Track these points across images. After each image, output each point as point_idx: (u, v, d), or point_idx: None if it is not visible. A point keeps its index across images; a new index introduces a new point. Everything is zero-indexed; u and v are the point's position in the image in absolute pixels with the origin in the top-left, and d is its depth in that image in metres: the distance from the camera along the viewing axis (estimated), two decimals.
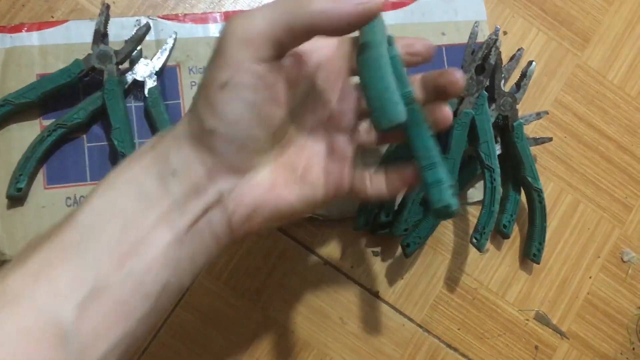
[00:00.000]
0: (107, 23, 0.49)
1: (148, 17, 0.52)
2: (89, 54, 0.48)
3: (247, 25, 0.31)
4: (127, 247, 0.30)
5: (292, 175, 0.35)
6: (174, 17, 0.52)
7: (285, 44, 0.31)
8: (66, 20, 0.51)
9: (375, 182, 0.38)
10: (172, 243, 0.31)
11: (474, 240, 0.49)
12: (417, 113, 0.35)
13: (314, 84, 0.37)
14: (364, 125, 0.39)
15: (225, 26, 0.31)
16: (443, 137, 0.51)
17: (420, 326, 0.53)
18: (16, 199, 0.47)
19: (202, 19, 0.52)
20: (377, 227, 0.51)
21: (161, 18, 0.52)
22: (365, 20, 0.31)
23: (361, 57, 0.34)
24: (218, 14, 0.53)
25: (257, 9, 0.31)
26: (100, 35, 0.49)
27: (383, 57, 0.34)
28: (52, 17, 0.52)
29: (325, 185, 0.36)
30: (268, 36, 0.31)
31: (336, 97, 0.37)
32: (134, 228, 0.30)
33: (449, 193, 0.34)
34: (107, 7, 0.49)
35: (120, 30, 0.51)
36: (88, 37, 0.49)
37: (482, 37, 0.55)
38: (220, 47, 0.31)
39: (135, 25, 0.51)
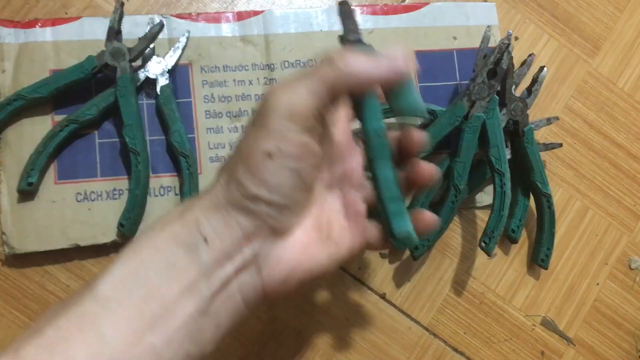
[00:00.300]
0: (121, 20, 0.49)
1: (161, 15, 0.52)
2: (102, 51, 0.49)
3: (292, 100, 0.32)
4: (148, 320, 0.29)
5: (319, 234, 0.36)
6: (187, 16, 0.52)
7: (326, 110, 0.33)
8: (80, 17, 0.51)
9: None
10: (196, 314, 0.30)
11: (483, 245, 0.49)
12: (384, 147, 0.36)
13: (332, 141, 0.38)
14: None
15: (267, 98, 0.32)
16: (454, 140, 0.51)
17: (427, 329, 0.53)
18: (27, 193, 0.47)
19: (215, 18, 0.53)
20: None
21: (174, 16, 0.52)
22: (397, 80, 0.34)
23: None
24: (231, 13, 0.53)
25: (298, 81, 0.32)
26: (114, 33, 0.49)
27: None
28: (66, 13, 0.52)
29: (350, 242, 0.37)
30: (313, 108, 0.32)
31: (347, 153, 0.39)
32: (157, 299, 0.29)
33: (409, 223, 0.36)
34: (121, 5, 0.49)
35: (133, 28, 0.51)
36: (101, 34, 0.50)
37: (493, 42, 0.55)
38: (263, 119, 0.32)
39: (148, 24, 0.51)
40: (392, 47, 0.34)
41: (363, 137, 0.36)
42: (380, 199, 0.36)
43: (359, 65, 0.32)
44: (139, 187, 0.48)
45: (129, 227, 0.48)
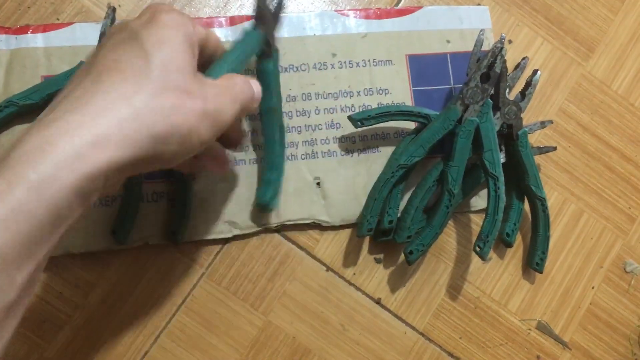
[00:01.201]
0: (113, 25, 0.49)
1: None
2: None
3: None
4: None
5: None
6: None
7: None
8: (72, 23, 0.51)
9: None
10: None
11: (477, 249, 0.49)
12: (274, 124, 0.47)
13: None
14: None
15: None
16: (447, 144, 0.51)
17: (422, 334, 0.53)
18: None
19: (208, 23, 0.52)
20: (379, 233, 0.51)
21: None
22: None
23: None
24: (224, 18, 0.53)
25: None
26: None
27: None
28: (58, 19, 0.52)
29: None
30: None
31: None
32: None
33: (271, 194, 0.48)
34: (113, 10, 0.49)
35: None
36: (93, 40, 0.49)
37: (487, 46, 0.55)
38: None
39: None
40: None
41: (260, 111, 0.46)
42: (269, 164, 0.47)
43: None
44: (133, 193, 0.48)
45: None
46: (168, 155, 0.33)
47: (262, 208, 0.50)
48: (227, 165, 0.46)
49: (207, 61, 0.40)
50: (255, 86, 0.40)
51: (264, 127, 0.49)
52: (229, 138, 0.44)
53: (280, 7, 0.46)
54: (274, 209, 0.50)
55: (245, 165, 0.51)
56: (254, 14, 0.45)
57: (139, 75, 0.32)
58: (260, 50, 0.46)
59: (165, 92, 0.32)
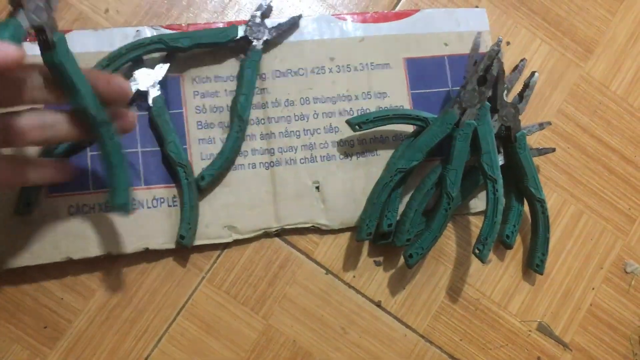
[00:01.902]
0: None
1: (151, 26, 0.52)
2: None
3: None
4: None
5: None
6: (177, 27, 0.52)
7: None
8: (69, 30, 0.51)
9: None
10: None
11: (477, 251, 0.49)
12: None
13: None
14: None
15: None
16: (446, 147, 0.51)
17: (423, 336, 0.53)
18: (25, 213, 0.47)
19: (206, 29, 0.52)
20: (379, 237, 0.51)
21: (164, 27, 0.52)
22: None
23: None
24: (221, 23, 0.53)
25: None
26: None
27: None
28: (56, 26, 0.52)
29: None
30: None
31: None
32: None
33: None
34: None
35: (124, 40, 0.51)
36: (91, 47, 0.50)
37: (484, 48, 0.55)
38: None
39: (135, 36, 0.51)
40: None
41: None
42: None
43: None
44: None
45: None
46: None
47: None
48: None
49: None
50: None
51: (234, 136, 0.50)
52: (107, 97, 0.41)
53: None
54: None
55: (243, 170, 0.51)
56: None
57: None
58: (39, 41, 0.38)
59: None
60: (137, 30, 0.51)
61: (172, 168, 0.50)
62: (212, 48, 0.52)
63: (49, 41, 0.38)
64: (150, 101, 0.50)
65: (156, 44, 0.50)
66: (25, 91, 0.38)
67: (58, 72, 0.39)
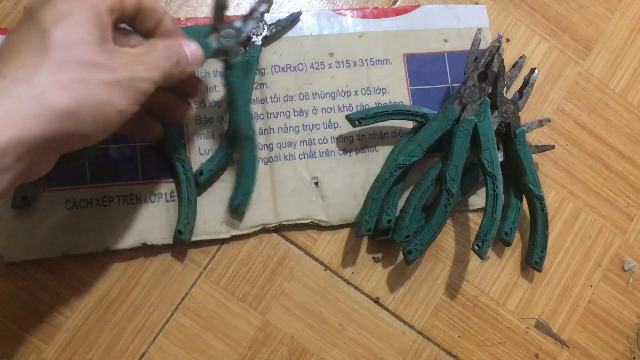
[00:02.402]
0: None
1: None
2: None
3: None
4: None
5: None
6: (176, 21, 0.52)
7: None
8: None
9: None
10: None
11: (476, 248, 0.49)
12: (252, 146, 0.49)
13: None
14: None
15: None
16: (446, 142, 0.51)
17: (421, 333, 0.52)
18: (22, 206, 0.47)
19: (205, 23, 0.52)
20: (378, 233, 0.51)
21: None
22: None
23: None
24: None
25: None
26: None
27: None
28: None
29: None
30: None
31: None
32: None
33: (240, 199, 0.49)
34: None
35: None
36: None
37: (484, 44, 0.55)
38: None
39: None
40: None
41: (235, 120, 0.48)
42: (241, 172, 0.49)
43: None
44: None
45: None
46: (85, 130, 0.33)
47: (231, 211, 0.50)
48: (183, 116, 0.46)
49: (149, 28, 0.40)
50: (189, 48, 0.40)
51: (233, 137, 0.50)
52: (184, 91, 0.45)
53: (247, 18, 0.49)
54: (244, 212, 0.50)
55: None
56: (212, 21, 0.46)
57: (37, 54, 0.32)
58: (221, 60, 0.47)
59: (66, 67, 0.32)
60: None
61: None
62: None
63: (230, 63, 0.47)
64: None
65: None
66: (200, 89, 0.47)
67: (228, 89, 0.48)
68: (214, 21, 0.46)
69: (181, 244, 0.49)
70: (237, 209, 0.49)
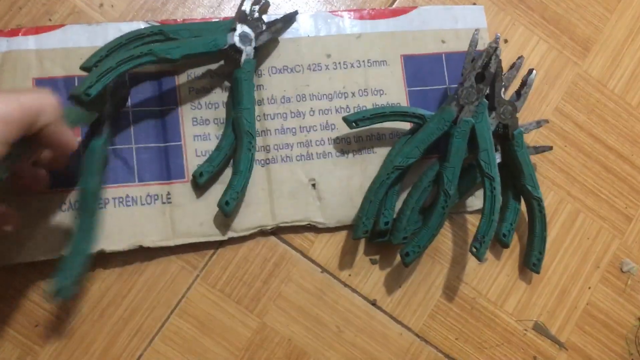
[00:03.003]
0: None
1: (146, 21, 0.51)
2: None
3: None
4: None
5: None
6: (173, 22, 0.51)
7: None
8: (63, 25, 0.50)
9: None
10: None
11: (474, 250, 0.49)
12: (250, 143, 0.48)
13: None
14: None
15: None
16: (443, 144, 0.50)
17: (418, 335, 0.52)
18: None
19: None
20: (375, 235, 0.51)
21: (160, 22, 0.51)
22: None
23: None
24: (217, 19, 0.52)
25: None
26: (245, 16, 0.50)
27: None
28: (50, 20, 0.51)
29: None
30: None
31: None
32: None
33: (227, 198, 0.47)
34: None
35: (118, 34, 0.50)
36: (85, 42, 0.49)
37: (482, 45, 0.55)
38: None
39: None
40: None
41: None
42: (235, 169, 0.48)
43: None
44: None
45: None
46: None
47: (220, 209, 0.48)
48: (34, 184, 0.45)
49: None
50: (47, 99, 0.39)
51: (234, 134, 0.49)
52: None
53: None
54: (228, 214, 0.48)
55: None
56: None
57: None
58: (231, 57, 0.49)
59: None
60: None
61: (237, 135, 0.49)
62: (202, 58, 0.50)
63: (238, 61, 0.48)
64: (242, 60, 0.49)
65: (156, 35, 0.48)
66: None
67: (236, 85, 0.48)
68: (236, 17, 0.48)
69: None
70: (224, 207, 0.47)
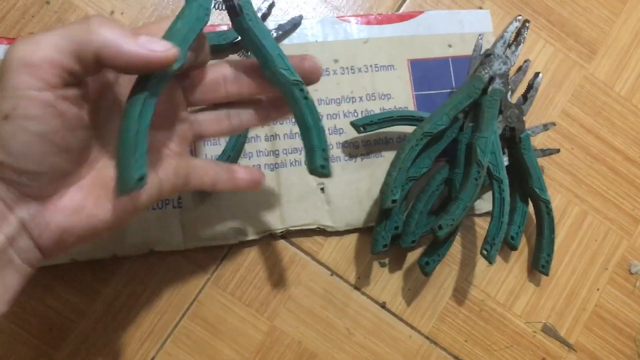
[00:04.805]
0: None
1: None
2: None
3: (31, 51, 0.29)
4: None
5: (103, 191, 0.33)
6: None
7: (76, 72, 0.30)
8: None
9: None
10: None
11: (484, 252, 0.49)
12: (303, 92, 0.39)
13: (117, 99, 0.36)
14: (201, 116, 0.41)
15: (8, 51, 0.29)
16: (451, 150, 0.51)
17: (427, 338, 0.53)
18: None
19: (210, 30, 0.53)
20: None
21: None
22: (151, 68, 0.31)
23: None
24: (225, 25, 0.53)
25: (43, 34, 0.29)
26: None
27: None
28: None
29: (148, 193, 0.35)
30: (54, 63, 0.29)
31: None
32: None
33: (319, 157, 0.39)
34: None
35: None
36: None
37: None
38: (1, 75, 0.29)
39: None
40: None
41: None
42: (303, 128, 0.40)
43: (111, 37, 0.29)
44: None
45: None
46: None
47: (316, 174, 0.40)
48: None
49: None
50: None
51: (279, 91, 0.40)
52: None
53: None
54: (329, 174, 0.40)
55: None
56: None
57: None
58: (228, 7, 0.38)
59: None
60: None
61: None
62: (213, 50, 0.51)
63: (236, 6, 0.38)
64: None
65: None
66: (219, 87, 0.40)
67: (247, 38, 0.39)
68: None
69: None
70: (322, 172, 0.40)
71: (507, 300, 0.54)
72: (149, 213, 0.49)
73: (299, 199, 0.52)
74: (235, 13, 0.38)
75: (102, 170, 0.34)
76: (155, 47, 0.31)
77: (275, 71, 0.38)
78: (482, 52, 0.52)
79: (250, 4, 0.39)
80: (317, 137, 0.40)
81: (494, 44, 0.51)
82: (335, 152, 0.53)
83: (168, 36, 0.34)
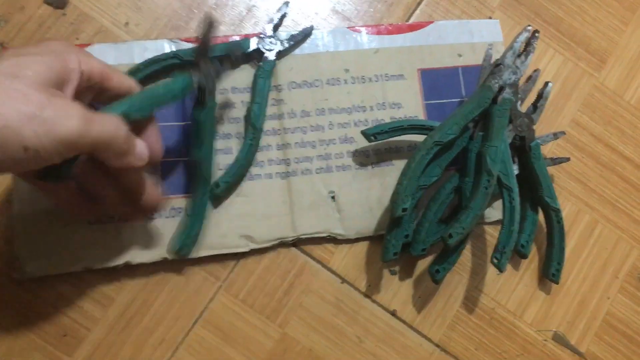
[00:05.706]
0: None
1: (170, 39, 0.53)
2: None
3: None
4: None
5: None
6: (196, 40, 0.53)
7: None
8: (90, 43, 0.52)
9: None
10: None
11: (495, 260, 0.49)
12: (205, 189, 0.49)
13: None
14: None
15: None
16: (461, 159, 0.51)
17: (438, 346, 0.53)
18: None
19: (223, 41, 0.53)
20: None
21: (183, 40, 0.53)
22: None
23: None
24: (238, 36, 0.54)
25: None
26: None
27: None
28: (77, 39, 0.53)
29: None
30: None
31: None
32: None
33: (182, 243, 0.48)
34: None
35: (142, 53, 0.52)
36: (112, 60, 0.51)
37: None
38: None
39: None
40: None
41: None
42: (190, 215, 0.49)
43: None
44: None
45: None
46: None
47: (173, 254, 0.49)
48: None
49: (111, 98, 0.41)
50: (139, 143, 0.40)
51: (193, 177, 0.50)
52: (128, 187, 0.43)
53: (223, 60, 0.49)
54: (186, 255, 0.49)
55: (259, 180, 0.52)
56: (193, 58, 0.46)
57: None
58: (192, 98, 0.48)
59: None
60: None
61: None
62: (224, 61, 0.52)
63: (204, 101, 0.47)
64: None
65: (172, 59, 0.51)
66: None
67: (196, 126, 0.48)
68: (197, 55, 0.47)
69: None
70: (179, 252, 0.49)
71: (517, 309, 0.54)
72: (161, 221, 0.50)
73: (310, 207, 0.52)
74: (200, 105, 0.47)
75: None
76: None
77: (199, 163, 0.48)
78: (492, 62, 0.53)
79: (214, 107, 0.49)
80: (193, 227, 0.49)
81: (504, 54, 0.51)
82: (346, 160, 0.53)
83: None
